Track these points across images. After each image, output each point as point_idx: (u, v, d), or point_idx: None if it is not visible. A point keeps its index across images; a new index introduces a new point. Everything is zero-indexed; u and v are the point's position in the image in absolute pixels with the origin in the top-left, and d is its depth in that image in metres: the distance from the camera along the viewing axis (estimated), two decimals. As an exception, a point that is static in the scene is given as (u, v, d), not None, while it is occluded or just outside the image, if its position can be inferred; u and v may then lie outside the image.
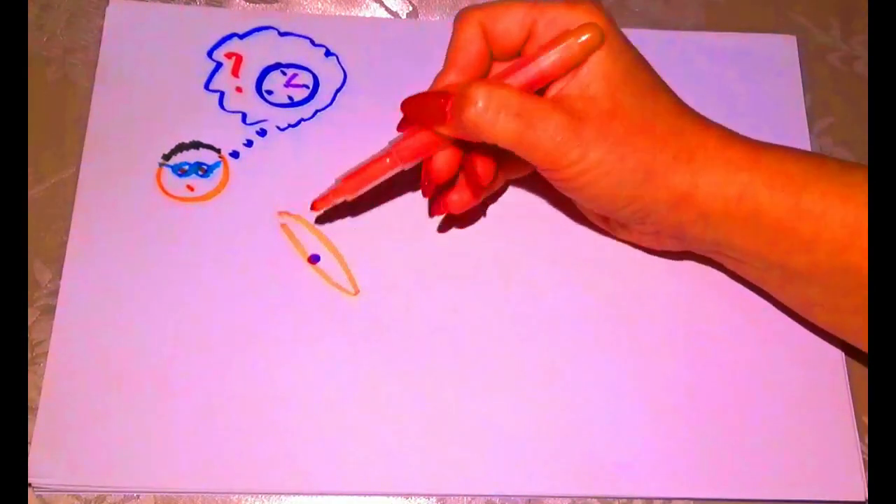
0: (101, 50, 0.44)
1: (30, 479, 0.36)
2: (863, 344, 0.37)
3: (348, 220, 0.41)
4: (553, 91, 0.35)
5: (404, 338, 0.39)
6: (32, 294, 0.39)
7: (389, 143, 0.38)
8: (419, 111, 0.36)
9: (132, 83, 0.43)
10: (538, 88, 0.35)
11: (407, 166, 0.37)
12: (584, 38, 0.34)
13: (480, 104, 0.33)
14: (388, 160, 0.37)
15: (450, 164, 0.37)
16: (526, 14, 0.35)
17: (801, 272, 0.35)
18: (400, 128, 0.37)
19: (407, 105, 0.36)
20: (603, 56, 0.34)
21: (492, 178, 0.38)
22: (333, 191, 0.38)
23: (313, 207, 0.39)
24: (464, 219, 0.42)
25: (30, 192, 0.41)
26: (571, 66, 0.34)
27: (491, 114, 0.33)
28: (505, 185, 0.42)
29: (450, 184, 0.38)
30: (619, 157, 0.34)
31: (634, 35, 0.45)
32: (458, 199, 0.39)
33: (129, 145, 0.42)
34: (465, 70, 0.36)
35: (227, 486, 0.36)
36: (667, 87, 0.36)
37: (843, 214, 0.34)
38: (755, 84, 0.46)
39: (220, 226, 0.41)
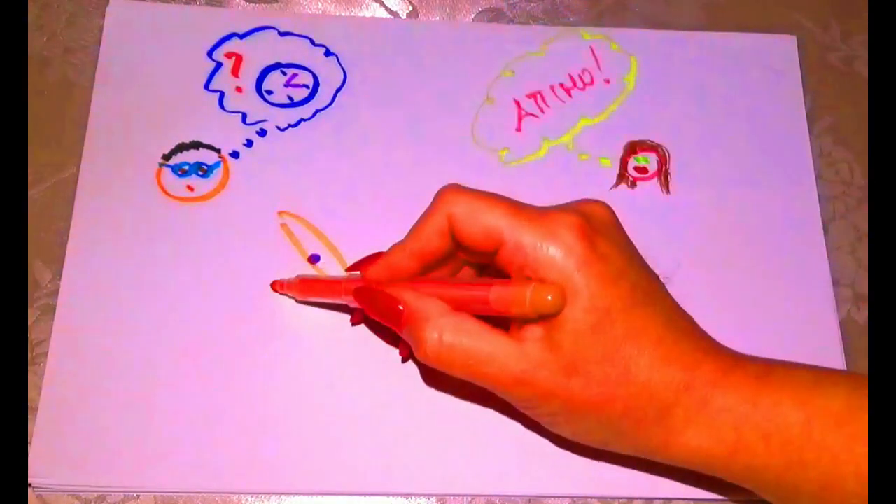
0: (101, 50, 0.44)
1: (30, 479, 0.35)
2: None
3: (348, 219, 0.41)
4: (529, 269, 0.32)
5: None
6: (32, 294, 0.39)
7: (348, 275, 0.38)
8: (375, 307, 0.35)
9: (132, 83, 0.43)
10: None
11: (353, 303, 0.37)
12: (541, 299, 0.30)
13: (432, 347, 0.32)
14: (342, 295, 0.37)
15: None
16: (495, 230, 0.32)
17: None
18: (353, 321, 0.38)
19: (363, 297, 0.35)
20: (572, 308, 0.31)
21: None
22: (289, 286, 0.39)
23: (273, 288, 0.39)
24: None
25: (30, 192, 0.41)
26: (524, 320, 0.32)
27: (444, 358, 0.32)
28: None
29: None
30: (574, 420, 0.33)
31: (634, 35, 0.46)
32: (406, 351, 0.39)
33: (129, 145, 0.42)
34: (423, 259, 0.34)
35: (227, 486, 0.36)
36: (658, 318, 0.33)
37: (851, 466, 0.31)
38: (755, 84, 0.46)
39: (220, 226, 0.41)
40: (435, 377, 0.38)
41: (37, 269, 0.40)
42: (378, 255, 0.36)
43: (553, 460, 0.37)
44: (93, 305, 0.39)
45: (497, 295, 0.31)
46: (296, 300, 0.39)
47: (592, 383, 0.32)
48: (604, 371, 0.31)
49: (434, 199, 0.34)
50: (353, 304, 0.37)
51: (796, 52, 0.46)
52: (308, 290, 0.39)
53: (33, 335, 0.38)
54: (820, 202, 0.43)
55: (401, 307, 0.34)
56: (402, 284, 0.35)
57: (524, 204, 0.33)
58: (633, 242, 0.35)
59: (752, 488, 0.34)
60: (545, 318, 0.31)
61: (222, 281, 0.40)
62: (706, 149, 0.44)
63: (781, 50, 0.46)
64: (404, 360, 0.39)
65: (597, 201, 0.34)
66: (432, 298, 0.33)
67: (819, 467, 0.31)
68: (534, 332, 0.32)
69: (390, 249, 0.35)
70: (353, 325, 0.39)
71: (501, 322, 0.33)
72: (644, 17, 0.47)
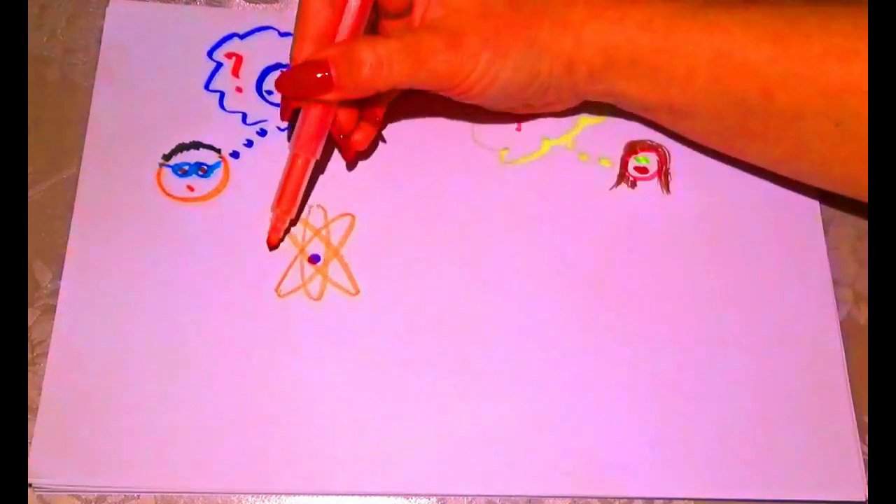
0: (101, 50, 0.44)
1: (30, 479, 0.36)
2: (758, 159, 0.41)
3: (349, 220, 0.41)
4: (418, 19, 0.38)
5: (405, 338, 0.39)
6: (33, 294, 0.39)
7: (290, 145, 0.38)
8: (299, 85, 0.36)
9: (132, 83, 0.43)
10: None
11: (318, 155, 0.38)
12: None
13: (372, 61, 0.35)
14: (299, 161, 0.38)
15: (350, 118, 0.39)
16: None
17: (684, 108, 0.39)
18: (283, 116, 0.38)
19: (283, 83, 0.37)
20: None
21: (384, 107, 0.41)
22: (276, 220, 0.39)
23: (270, 244, 0.40)
24: (465, 218, 0.42)
25: (30, 192, 0.41)
26: None
27: (385, 68, 0.35)
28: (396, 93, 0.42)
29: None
30: (505, 52, 0.37)
31: None
32: (361, 136, 0.41)
33: (129, 146, 0.42)
34: (318, 40, 0.37)
35: (228, 486, 0.36)
36: None
37: (711, 45, 0.36)
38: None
39: (220, 226, 0.41)
40: (436, 377, 0.38)
41: (37, 269, 0.40)
42: (291, 70, 0.37)
43: (554, 460, 0.37)
44: (93, 305, 0.39)
45: None
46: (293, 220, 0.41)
47: (503, 8, 0.37)
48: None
49: None
50: (318, 154, 0.38)
51: None
52: (287, 198, 0.39)
53: (33, 335, 0.38)
54: (820, 202, 0.43)
55: (324, 63, 0.36)
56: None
57: None
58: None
59: (637, 92, 0.39)
60: None
61: (222, 281, 0.40)
62: (706, 149, 0.44)
63: None
64: (350, 162, 0.41)
65: None
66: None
67: (683, 52, 0.37)
68: (436, 10, 0.37)
69: (291, 49, 0.38)
70: (347, 161, 0.42)
71: None
72: None
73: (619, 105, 0.42)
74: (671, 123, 0.42)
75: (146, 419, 0.37)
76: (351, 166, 0.42)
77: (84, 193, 0.41)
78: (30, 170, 0.41)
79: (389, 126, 0.43)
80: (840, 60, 0.35)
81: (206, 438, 0.37)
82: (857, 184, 0.37)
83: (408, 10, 0.38)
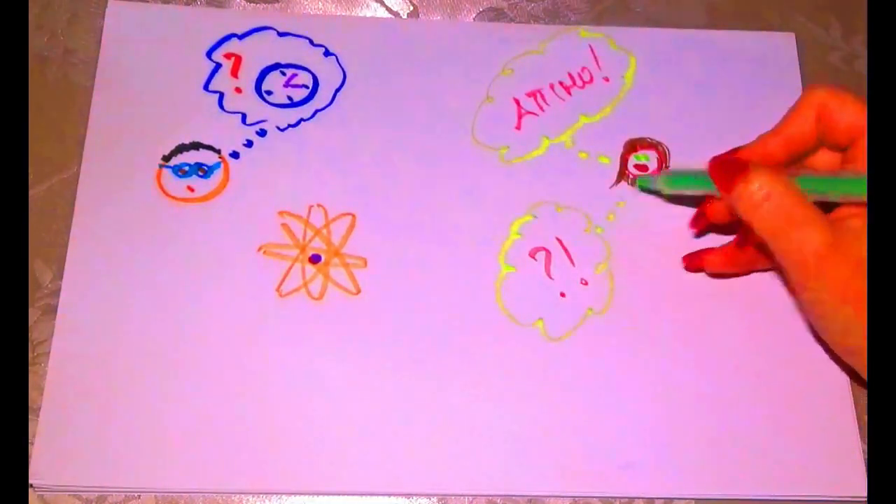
0: (101, 51, 0.44)
1: (30, 480, 0.36)
2: None
3: (350, 219, 0.41)
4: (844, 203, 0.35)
5: (406, 337, 0.39)
6: (34, 294, 0.39)
7: None
8: (718, 169, 0.36)
9: (132, 83, 0.43)
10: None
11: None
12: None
13: (755, 185, 0.34)
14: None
15: (723, 213, 0.39)
16: (860, 120, 0.35)
17: None
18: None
19: (714, 164, 0.36)
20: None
21: (747, 254, 0.39)
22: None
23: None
24: (466, 217, 0.42)
25: (30, 192, 0.41)
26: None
27: (757, 198, 0.34)
28: (768, 268, 0.41)
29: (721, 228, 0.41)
30: (853, 314, 0.33)
31: (633, 34, 0.46)
32: (713, 259, 0.40)
33: (129, 146, 0.42)
34: (790, 145, 0.37)
35: (228, 486, 0.36)
36: None
37: None
38: (754, 82, 0.46)
39: (220, 226, 0.41)
40: (437, 376, 0.38)
41: (38, 269, 0.40)
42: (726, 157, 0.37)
43: (555, 460, 0.37)
44: (94, 306, 0.39)
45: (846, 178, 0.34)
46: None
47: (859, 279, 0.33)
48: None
49: (802, 94, 0.37)
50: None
51: (795, 50, 0.46)
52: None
53: (34, 335, 0.39)
54: None
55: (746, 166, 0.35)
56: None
57: None
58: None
59: None
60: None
61: (223, 282, 0.40)
62: (705, 146, 0.44)
63: (780, 47, 0.46)
64: (697, 235, 0.41)
65: None
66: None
67: None
68: (852, 222, 0.34)
69: (760, 136, 0.38)
70: (694, 232, 0.42)
71: None
72: (645, 17, 0.47)
73: None
74: None
75: (147, 419, 0.37)
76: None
77: (85, 194, 0.41)
78: (30, 170, 0.42)
79: (390, 127, 0.44)
80: None
81: (207, 438, 0.37)
82: None
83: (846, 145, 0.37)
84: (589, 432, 0.38)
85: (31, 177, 0.42)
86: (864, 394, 0.39)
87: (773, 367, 0.40)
